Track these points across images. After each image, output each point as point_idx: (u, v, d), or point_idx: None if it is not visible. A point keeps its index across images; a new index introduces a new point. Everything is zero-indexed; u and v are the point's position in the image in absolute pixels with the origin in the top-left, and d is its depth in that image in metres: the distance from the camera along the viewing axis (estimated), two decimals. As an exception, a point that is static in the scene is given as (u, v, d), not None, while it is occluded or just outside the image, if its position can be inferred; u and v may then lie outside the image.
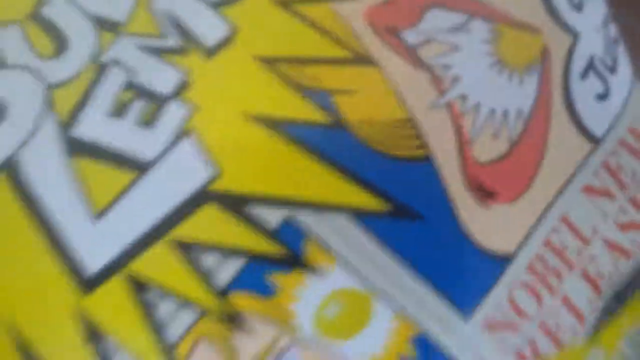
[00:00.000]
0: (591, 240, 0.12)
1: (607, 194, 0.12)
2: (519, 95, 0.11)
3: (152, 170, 0.10)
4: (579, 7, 0.12)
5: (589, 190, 0.12)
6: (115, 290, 0.10)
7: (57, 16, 0.11)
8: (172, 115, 0.11)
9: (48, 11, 0.11)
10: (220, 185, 0.10)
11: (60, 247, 0.10)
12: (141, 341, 0.09)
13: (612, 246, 0.12)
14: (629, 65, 0.13)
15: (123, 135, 0.10)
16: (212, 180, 0.10)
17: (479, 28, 0.11)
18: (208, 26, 0.11)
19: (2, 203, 0.10)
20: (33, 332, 0.10)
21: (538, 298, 0.12)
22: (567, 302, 0.12)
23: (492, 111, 0.11)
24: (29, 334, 0.10)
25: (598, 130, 0.12)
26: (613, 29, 0.13)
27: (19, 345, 0.10)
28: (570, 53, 0.12)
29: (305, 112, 0.11)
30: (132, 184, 0.10)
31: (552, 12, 0.12)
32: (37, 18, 0.11)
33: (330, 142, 0.11)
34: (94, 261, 0.10)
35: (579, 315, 0.12)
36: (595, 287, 0.12)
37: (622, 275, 0.12)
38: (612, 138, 0.12)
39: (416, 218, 0.11)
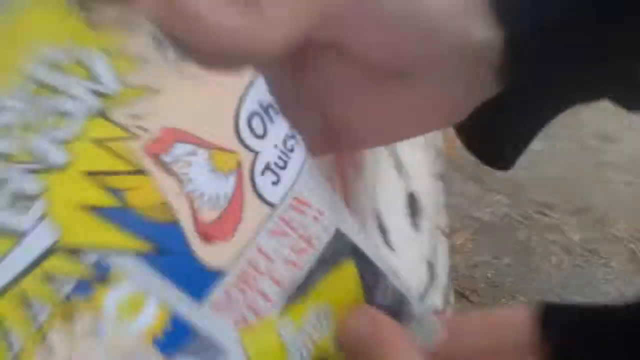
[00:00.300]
0: (275, 259, 0.23)
1: (284, 234, 0.23)
2: (225, 186, 0.22)
3: (24, 239, 0.20)
4: (261, 136, 0.22)
5: (273, 232, 0.23)
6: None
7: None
8: (37, 207, 0.21)
9: None
10: (60, 243, 0.20)
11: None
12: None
13: (289, 262, 0.23)
14: (302, 156, 0.23)
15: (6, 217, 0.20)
16: (56, 242, 0.20)
17: (202, 152, 0.22)
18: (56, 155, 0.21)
19: None
20: None
21: (243, 290, 0.22)
22: (261, 292, 0.22)
23: (211, 195, 0.22)
24: None
25: (274, 200, 0.23)
26: (290, 141, 0.23)
27: None
28: (253, 162, 0.22)
29: (110, 202, 0.21)
30: (9, 249, 0.20)
31: (242, 141, 0.22)
32: None
33: (121, 217, 0.21)
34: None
35: (269, 300, 0.23)
36: (279, 284, 0.23)
37: (296, 278, 0.23)
38: (284, 203, 0.23)
39: (169, 254, 0.21)
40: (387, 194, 0.85)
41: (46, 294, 0.20)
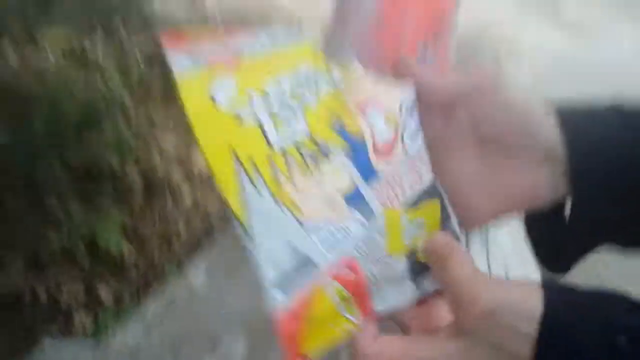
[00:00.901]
0: (404, 179, 0.42)
1: (411, 170, 0.43)
2: (389, 132, 0.42)
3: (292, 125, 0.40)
4: (409, 116, 0.44)
5: (408, 167, 0.43)
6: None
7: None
8: (300, 117, 0.41)
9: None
10: (310, 135, 0.40)
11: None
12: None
13: (410, 185, 0.42)
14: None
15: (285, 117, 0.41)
16: (308, 134, 0.40)
17: (381, 112, 0.42)
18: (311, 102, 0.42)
19: None
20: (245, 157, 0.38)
21: (386, 189, 0.41)
22: (395, 194, 0.42)
23: (382, 132, 0.42)
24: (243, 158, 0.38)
25: (411, 151, 0.43)
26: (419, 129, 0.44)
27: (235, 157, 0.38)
28: (403, 126, 0.43)
29: (335, 123, 0.41)
30: (283, 128, 0.40)
31: (401, 113, 0.43)
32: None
33: (339, 130, 0.41)
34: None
35: (397, 200, 0.42)
36: (403, 194, 0.42)
37: (411, 195, 0.42)
38: (414, 155, 0.43)
39: (359, 154, 0.41)
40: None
41: (295, 156, 0.39)
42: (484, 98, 0.40)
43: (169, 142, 1.64)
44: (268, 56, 0.44)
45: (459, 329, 0.38)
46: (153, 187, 1.60)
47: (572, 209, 0.39)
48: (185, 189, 1.60)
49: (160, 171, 1.60)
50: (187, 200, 1.59)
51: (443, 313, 0.40)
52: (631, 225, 0.39)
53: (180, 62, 0.40)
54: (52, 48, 1.48)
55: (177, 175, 1.61)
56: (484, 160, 0.41)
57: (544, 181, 0.40)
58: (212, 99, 0.40)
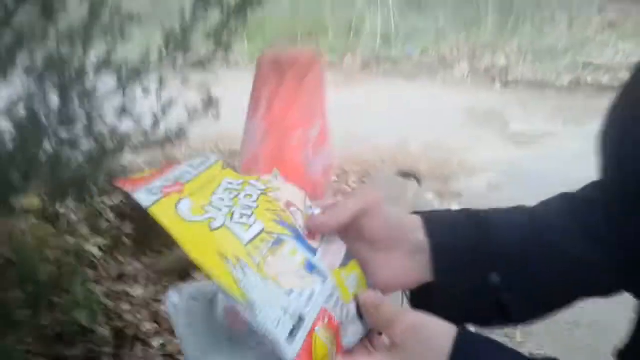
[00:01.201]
0: (334, 249, 0.58)
1: (334, 243, 0.58)
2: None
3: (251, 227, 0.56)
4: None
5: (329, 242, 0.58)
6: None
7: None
8: (253, 218, 0.56)
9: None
10: (264, 230, 0.56)
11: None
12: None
13: (338, 252, 0.58)
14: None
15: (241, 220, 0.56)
16: (262, 229, 0.56)
17: (299, 210, 0.59)
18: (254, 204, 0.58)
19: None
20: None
21: (325, 257, 0.57)
22: (331, 259, 0.57)
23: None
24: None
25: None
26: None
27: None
28: None
29: (276, 218, 0.57)
30: (247, 229, 0.56)
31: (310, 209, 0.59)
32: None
33: (282, 223, 0.57)
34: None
35: (336, 262, 0.57)
36: (338, 257, 0.58)
37: (341, 258, 0.58)
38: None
39: (299, 237, 0.56)
40: None
41: (261, 246, 0.54)
42: (369, 215, 0.57)
43: (138, 291, 1.73)
44: (199, 178, 0.60)
45: (390, 346, 0.52)
46: (123, 336, 1.66)
47: (436, 288, 0.54)
48: (153, 334, 1.67)
49: (130, 321, 1.67)
50: (156, 345, 1.64)
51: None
52: (482, 304, 0.55)
53: (144, 197, 0.52)
54: (26, 213, 1.61)
55: (146, 323, 1.68)
56: (376, 252, 0.58)
57: (416, 268, 0.56)
58: (181, 217, 0.52)
